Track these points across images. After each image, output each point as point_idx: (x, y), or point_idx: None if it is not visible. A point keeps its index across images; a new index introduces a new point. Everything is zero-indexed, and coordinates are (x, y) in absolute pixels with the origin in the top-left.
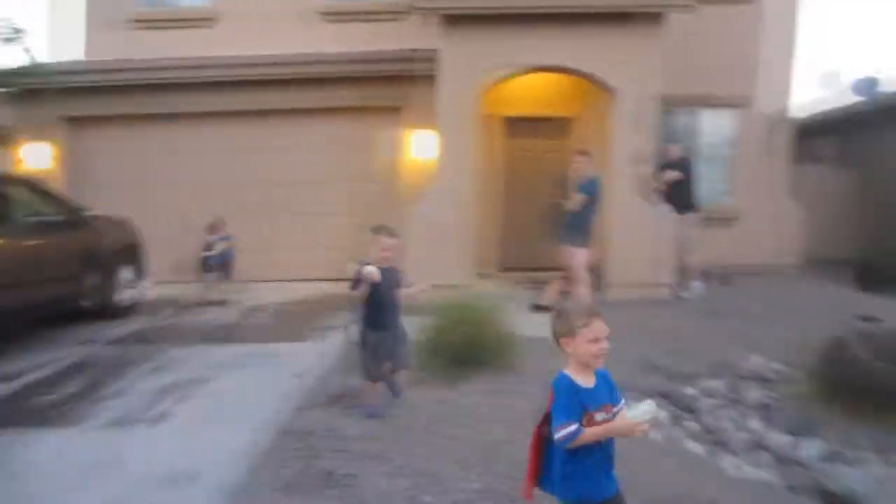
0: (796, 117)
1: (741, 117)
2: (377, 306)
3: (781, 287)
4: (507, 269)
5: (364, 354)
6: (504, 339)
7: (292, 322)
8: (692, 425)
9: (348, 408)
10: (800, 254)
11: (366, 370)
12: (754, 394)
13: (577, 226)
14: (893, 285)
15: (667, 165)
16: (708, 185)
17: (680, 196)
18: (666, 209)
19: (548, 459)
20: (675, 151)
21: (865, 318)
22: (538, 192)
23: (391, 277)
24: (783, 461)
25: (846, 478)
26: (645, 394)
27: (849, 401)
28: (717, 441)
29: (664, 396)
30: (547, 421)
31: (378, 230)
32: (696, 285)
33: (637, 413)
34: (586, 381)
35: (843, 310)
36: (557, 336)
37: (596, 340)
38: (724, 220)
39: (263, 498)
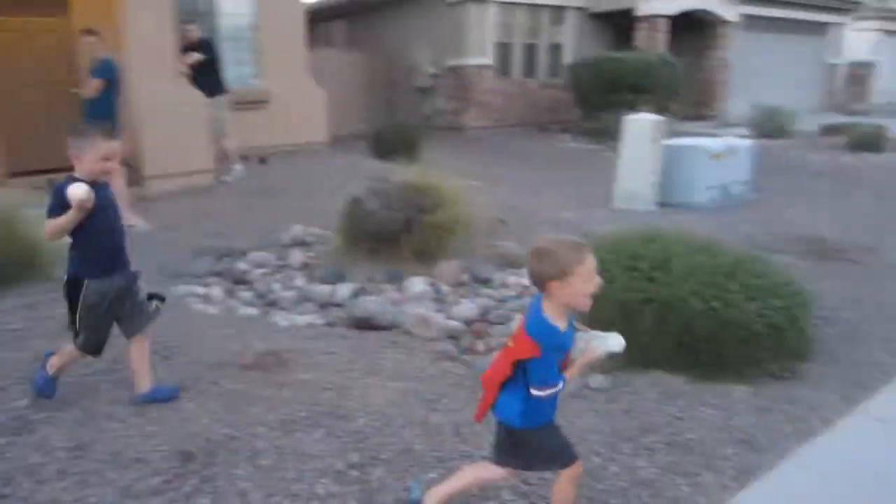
0: (310, 1)
1: (260, 1)
2: (96, 241)
3: (313, 163)
4: (16, 175)
5: (85, 315)
6: (32, 250)
7: None
8: (246, 294)
9: None
10: (326, 132)
11: (85, 338)
12: (297, 257)
13: (99, 114)
14: (399, 152)
15: (189, 48)
16: (236, 68)
17: (207, 79)
18: (196, 93)
19: (506, 392)
20: (196, 33)
21: (376, 179)
22: (44, 80)
23: (107, 196)
24: (324, 306)
25: (368, 304)
26: (197, 277)
27: (367, 247)
28: (269, 303)
29: (218, 274)
30: (512, 357)
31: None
32: (237, 168)
33: (609, 344)
34: (563, 322)
35: (362, 176)
36: (544, 279)
37: (589, 278)
38: (254, 102)
39: None
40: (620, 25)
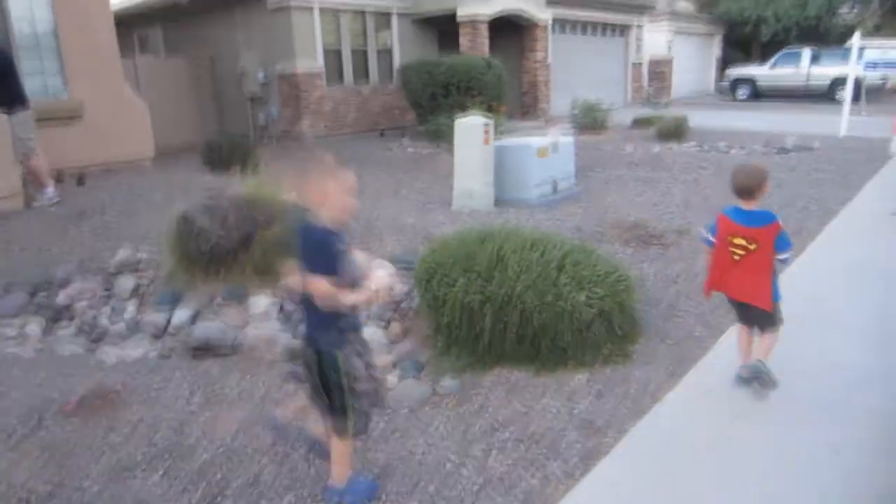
0: (119, 6)
1: (56, 3)
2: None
3: (138, 180)
4: None
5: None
6: None
7: None
8: (68, 330)
9: None
10: (152, 145)
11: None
12: (126, 284)
13: None
14: (233, 164)
15: None
16: (39, 79)
17: (5, 93)
18: None
19: None
20: None
21: (208, 194)
22: None
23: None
24: (159, 335)
25: (207, 329)
26: (8, 315)
27: (204, 267)
28: (95, 337)
29: (34, 310)
30: None
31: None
32: (49, 191)
33: None
34: None
35: (194, 191)
36: None
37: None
38: (65, 117)
39: None
40: (445, 29)
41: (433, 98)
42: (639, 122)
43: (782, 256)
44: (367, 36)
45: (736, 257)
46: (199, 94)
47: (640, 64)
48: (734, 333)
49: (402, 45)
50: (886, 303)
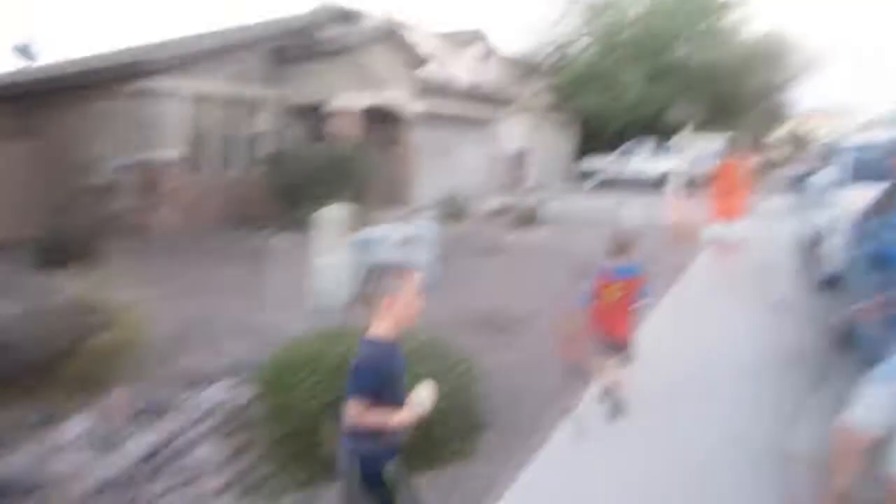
0: None
1: None
2: None
3: None
4: None
5: None
6: None
7: None
8: None
9: None
10: None
11: None
12: None
13: None
14: (71, 260)
15: None
16: None
17: None
18: None
19: None
20: None
21: (30, 296)
22: None
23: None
24: None
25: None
26: None
27: (12, 385)
28: None
29: None
30: None
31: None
32: None
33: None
34: None
35: (15, 293)
36: None
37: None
38: None
39: None
40: (316, 118)
41: (300, 188)
42: (500, 210)
43: (645, 301)
44: (234, 123)
45: (610, 300)
46: (40, 182)
47: (503, 154)
48: (567, 428)
49: (271, 134)
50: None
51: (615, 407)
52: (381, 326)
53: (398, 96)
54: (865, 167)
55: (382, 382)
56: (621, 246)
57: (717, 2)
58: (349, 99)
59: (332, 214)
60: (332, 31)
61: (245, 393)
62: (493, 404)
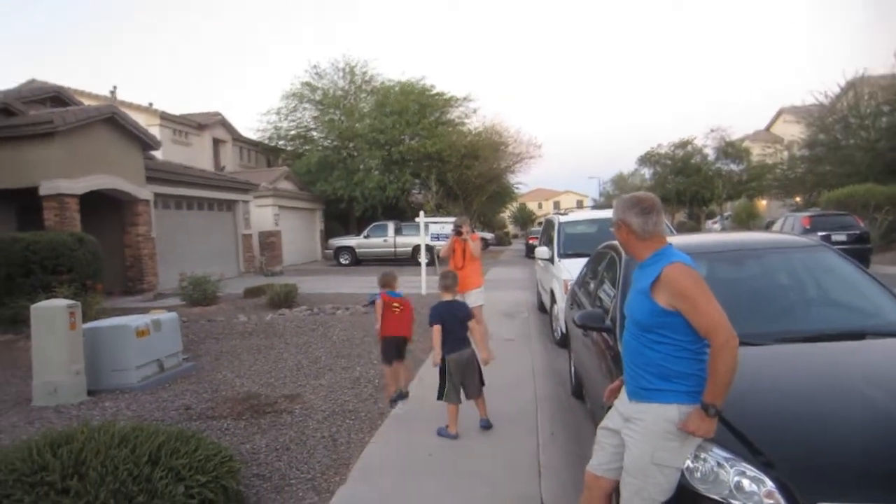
0: None
1: None
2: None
3: None
4: None
5: None
6: None
7: None
8: None
9: None
10: None
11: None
12: None
13: None
14: None
15: None
16: None
17: None
18: None
19: None
20: None
21: None
22: None
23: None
24: None
25: None
26: None
27: None
28: None
29: None
30: None
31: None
32: None
33: None
34: None
35: None
36: None
37: None
38: None
39: None
40: (26, 204)
41: (10, 279)
42: (251, 292)
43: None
44: None
45: (395, 312)
46: None
47: (250, 236)
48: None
49: None
50: None
51: (400, 395)
52: None
53: (124, 181)
54: (575, 241)
55: None
56: (388, 281)
57: (442, 98)
58: (63, 184)
59: (52, 307)
60: (45, 112)
61: None
62: (258, 490)
